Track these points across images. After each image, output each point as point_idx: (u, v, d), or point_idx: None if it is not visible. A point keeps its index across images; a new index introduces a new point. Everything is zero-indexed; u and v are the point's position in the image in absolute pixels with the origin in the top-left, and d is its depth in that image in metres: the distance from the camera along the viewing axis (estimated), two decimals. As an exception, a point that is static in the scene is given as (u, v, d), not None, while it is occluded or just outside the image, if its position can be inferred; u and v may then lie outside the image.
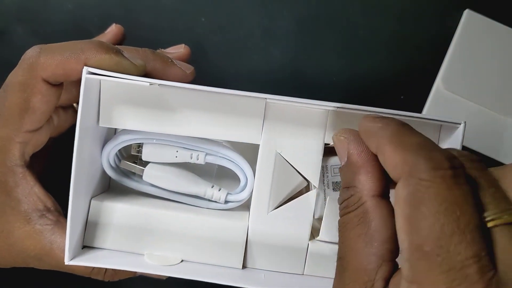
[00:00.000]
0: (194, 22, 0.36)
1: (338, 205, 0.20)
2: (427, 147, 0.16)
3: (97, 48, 0.24)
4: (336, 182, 0.27)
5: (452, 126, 0.24)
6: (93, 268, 0.27)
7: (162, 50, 0.30)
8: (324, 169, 0.27)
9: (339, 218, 0.19)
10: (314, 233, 0.27)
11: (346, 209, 0.19)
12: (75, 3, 0.35)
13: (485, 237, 0.15)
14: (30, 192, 0.26)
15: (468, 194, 0.15)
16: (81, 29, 0.33)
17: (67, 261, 0.24)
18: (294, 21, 0.36)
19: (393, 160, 0.16)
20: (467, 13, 0.35)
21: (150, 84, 0.24)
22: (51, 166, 0.31)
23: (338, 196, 0.20)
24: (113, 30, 0.32)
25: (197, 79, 0.30)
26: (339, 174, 0.25)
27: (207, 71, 0.36)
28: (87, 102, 0.24)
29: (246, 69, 0.36)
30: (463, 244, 0.14)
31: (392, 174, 0.16)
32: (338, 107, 0.24)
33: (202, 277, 0.25)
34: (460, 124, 0.23)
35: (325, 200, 0.27)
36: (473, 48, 0.34)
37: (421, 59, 0.36)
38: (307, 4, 0.36)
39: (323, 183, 0.27)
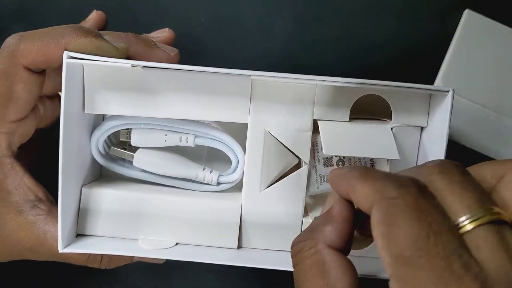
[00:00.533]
0: (194, 22, 0.36)
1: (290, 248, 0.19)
2: (391, 175, 0.17)
3: (76, 32, 0.24)
4: (327, 158, 0.26)
5: (441, 94, 0.24)
6: (89, 256, 0.27)
7: (146, 34, 0.29)
8: (314, 145, 0.26)
9: (293, 266, 0.19)
10: (308, 209, 0.27)
11: (301, 256, 0.18)
12: (74, 3, 0.35)
13: (462, 240, 0.15)
14: (20, 183, 0.26)
15: (435, 202, 0.16)
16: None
17: (60, 249, 0.24)
18: (294, 21, 0.36)
19: (363, 192, 0.17)
20: (467, 13, 0.34)
21: (132, 66, 0.23)
22: (41, 157, 0.31)
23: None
24: (93, 16, 0.32)
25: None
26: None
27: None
28: (70, 88, 0.24)
29: (245, 68, 0.36)
30: (440, 245, 0.15)
31: (365, 206, 0.17)
32: (324, 81, 0.23)
33: (198, 258, 0.24)
34: (448, 91, 0.23)
35: (316, 176, 0.27)
36: (473, 48, 0.34)
37: (421, 59, 0.36)
38: (307, 4, 0.36)
39: (314, 159, 0.26)
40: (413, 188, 0.16)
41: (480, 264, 0.15)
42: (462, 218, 0.16)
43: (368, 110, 0.27)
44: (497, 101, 0.34)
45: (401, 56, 0.36)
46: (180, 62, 0.29)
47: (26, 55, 0.24)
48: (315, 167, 0.26)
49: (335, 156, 0.26)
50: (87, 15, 0.32)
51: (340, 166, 0.26)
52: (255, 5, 0.36)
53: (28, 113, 0.26)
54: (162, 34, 0.29)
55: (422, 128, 0.26)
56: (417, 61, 0.36)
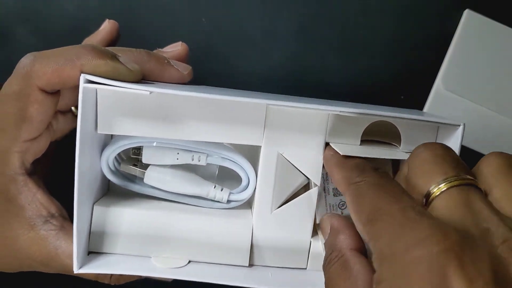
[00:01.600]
0: (195, 23, 0.36)
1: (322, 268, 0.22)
2: (360, 164, 0.22)
3: (92, 53, 0.23)
4: (336, 188, 0.27)
5: (450, 127, 0.25)
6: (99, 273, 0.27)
7: (160, 50, 0.29)
8: (325, 176, 0.27)
9: (325, 281, 0.22)
10: (317, 229, 0.28)
11: (329, 265, 0.21)
12: (76, 4, 0.34)
13: (419, 201, 0.18)
14: (33, 199, 0.26)
15: (393, 181, 0.20)
16: (82, 30, 0.32)
17: (76, 270, 0.25)
18: (294, 21, 0.36)
19: (337, 178, 0.23)
20: (467, 13, 0.34)
21: (150, 93, 0.23)
22: (55, 169, 0.31)
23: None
24: (106, 27, 0.31)
25: (197, 80, 0.29)
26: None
27: (208, 72, 0.35)
28: (86, 111, 0.24)
29: (246, 69, 0.36)
30: (396, 205, 0.17)
31: (340, 189, 0.23)
32: (341, 111, 0.24)
33: (210, 279, 0.25)
34: (459, 125, 0.24)
35: (326, 205, 0.27)
36: (473, 48, 0.34)
37: (421, 59, 0.36)
38: (307, 4, 0.36)
39: (324, 190, 0.27)
40: (373, 172, 0.20)
41: (437, 216, 0.17)
42: (433, 186, 0.18)
43: (378, 133, 0.27)
44: (497, 101, 0.34)
45: (401, 56, 0.36)
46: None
47: (40, 76, 0.23)
48: (325, 197, 0.27)
49: None
50: (89, 17, 0.32)
51: None
52: (256, 6, 0.36)
53: (42, 132, 0.25)
54: (176, 48, 0.29)
55: None
56: (417, 61, 0.36)
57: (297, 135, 0.26)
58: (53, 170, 0.30)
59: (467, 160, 0.20)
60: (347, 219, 0.23)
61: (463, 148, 0.35)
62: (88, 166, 0.25)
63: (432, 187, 0.18)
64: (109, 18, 0.32)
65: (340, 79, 0.36)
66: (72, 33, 0.36)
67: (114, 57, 0.24)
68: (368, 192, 0.19)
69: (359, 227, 0.19)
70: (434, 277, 0.14)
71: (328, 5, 0.36)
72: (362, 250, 0.21)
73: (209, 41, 0.36)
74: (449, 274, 0.14)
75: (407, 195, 0.18)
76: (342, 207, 0.28)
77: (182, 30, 0.36)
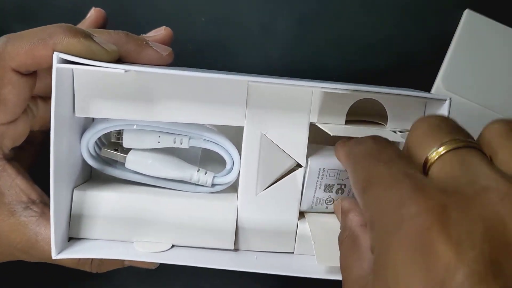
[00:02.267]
0: (194, 22, 0.35)
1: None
2: (360, 138, 0.21)
3: (65, 32, 0.23)
4: (328, 184, 0.26)
5: (437, 102, 0.24)
6: (79, 259, 0.26)
7: (143, 35, 0.28)
8: (321, 170, 0.26)
9: (340, 243, 0.22)
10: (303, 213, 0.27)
11: (342, 243, 0.22)
12: (74, 3, 0.34)
13: (413, 164, 0.17)
14: (12, 185, 0.26)
15: (390, 147, 0.19)
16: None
17: (54, 256, 0.24)
18: (294, 21, 0.36)
19: (340, 154, 0.23)
20: (467, 13, 0.34)
21: (126, 71, 0.22)
22: (43, 157, 0.30)
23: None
24: (92, 15, 0.30)
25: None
26: (334, 177, 0.26)
27: (206, 68, 0.35)
28: (60, 91, 0.23)
29: (246, 68, 0.35)
30: (386, 170, 0.17)
31: (343, 165, 0.23)
32: (323, 87, 0.23)
33: (194, 262, 0.25)
34: (446, 100, 0.23)
35: (313, 198, 0.27)
36: (473, 48, 0.34)
37: (421, 59, 0.36)
38: (307, 3, 0.35)
39: (316, 183, 0.26)
40: (370, 141, 0.19)
41: (430, 176, 0.16)
42: (430, 153, 0.17)
43: (364, 112, 0.27)
44: (497, 101, 0.34)
45: (401, 56, 0.36)
46: (180, 63, 0.28)
47: (13, 57, 0.23)
48: (315, 190, 0.26)
49: (337, 184, 0.26)
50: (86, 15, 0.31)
51: (339, 194, 0.27)
52: (255, 5, 0.36)
53: (18, 115, 0.25)
54: (158, 32, 0.28)
55: None
56: (417, 61, 0.36)
57: (280, 115, 0.25)
58: (42, 159, 0.30)
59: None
60: (354, 200, 0.23)
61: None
62: (66, 150, 0.25)
63: (429, 153, 0.17)
64: (108, 18, 0.31)
65: (339, 78, 0.35)
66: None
67: (88, 36, 0.23)
68: (362, 161, 0.19)
69: (358, 199, 0.18)
70: (416, 241, 0.14)
71: (328, 4, 0.36)
72: None
73: (208, 40, 0.36)
74: (432, 236, 0.13)
75: (402, 159, 0.17)
76: (329, 203, 0.27)
77: (181, 29, 0.35)
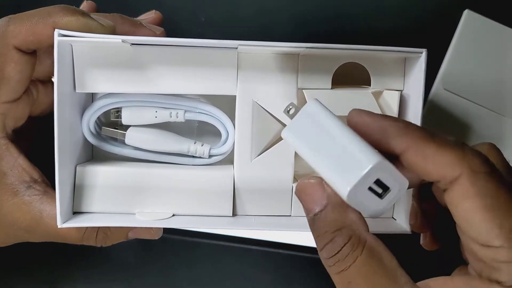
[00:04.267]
0: (194, 22, 0.36)
1: (327, 259, 0.18)
2: (459, 144, 0.18)
3: (63, 11, 0.24)
4: None
5: (415, 57, 0.26)
6: (84, 233, 0.27)
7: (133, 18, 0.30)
8: None
9: (336, 275, 0.17)
10: (296, 176, 0.28)
11: (346, 260, 0.17)
12: (73, 2, 0.35)
13: None
14: (15, 164, 0.26)
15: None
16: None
17: (59, 225, 0.25)
18: (294, 20, 0.36)
19: (444, 159, 0.17)
20: (467, 13, 0.34)
21: (122, 41, 0.24)
22: (37, 146, 0.31)
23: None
24: (84, 7, 0.32)
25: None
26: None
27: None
28: (62, 67, 0.24)
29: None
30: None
31: (442, 172, 0.17)
32: (307, 47, 0.25)
33: (194, 225, 0.25)
34: (422, 53, 0.25)
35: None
36: (473, 48, 0.34)
37: None
38: (306, 3, 0.36)
39: None
40: (490, 164, 0.17)
41: None
42: None
43: (349, 79, 0.28)
44: (497, 101, 0.34)
45: None
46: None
47: (15, 35, 0.24)
48: None
49: None
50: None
51: None
52: (255, 5, 0.37)
53: (20, 94, 0.26)
54: (149, 16, 0.30)
55: (401, 93, 0.28)
56: None
57: (269, 81, 0.27)
58: (36, 145, 0.31)
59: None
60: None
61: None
62: (69, 128, 0.26)
63: None
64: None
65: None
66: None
67: (85, 14, 0.25)
68: (499, 189, 0.17)
69: (493, 230, 0.16)
70: None
71: (327, 5, 0.36)
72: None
73: (206, 37, 0.37)
74: None
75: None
76: None
77: (181, 29, 0.36)
